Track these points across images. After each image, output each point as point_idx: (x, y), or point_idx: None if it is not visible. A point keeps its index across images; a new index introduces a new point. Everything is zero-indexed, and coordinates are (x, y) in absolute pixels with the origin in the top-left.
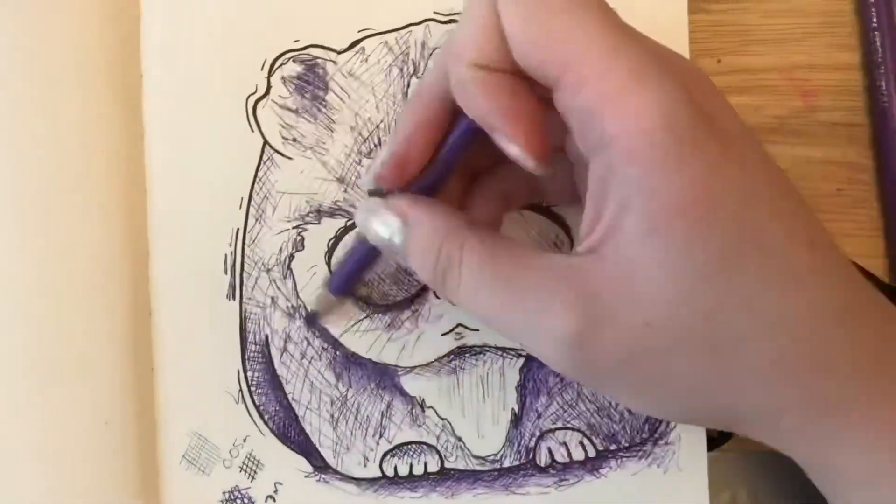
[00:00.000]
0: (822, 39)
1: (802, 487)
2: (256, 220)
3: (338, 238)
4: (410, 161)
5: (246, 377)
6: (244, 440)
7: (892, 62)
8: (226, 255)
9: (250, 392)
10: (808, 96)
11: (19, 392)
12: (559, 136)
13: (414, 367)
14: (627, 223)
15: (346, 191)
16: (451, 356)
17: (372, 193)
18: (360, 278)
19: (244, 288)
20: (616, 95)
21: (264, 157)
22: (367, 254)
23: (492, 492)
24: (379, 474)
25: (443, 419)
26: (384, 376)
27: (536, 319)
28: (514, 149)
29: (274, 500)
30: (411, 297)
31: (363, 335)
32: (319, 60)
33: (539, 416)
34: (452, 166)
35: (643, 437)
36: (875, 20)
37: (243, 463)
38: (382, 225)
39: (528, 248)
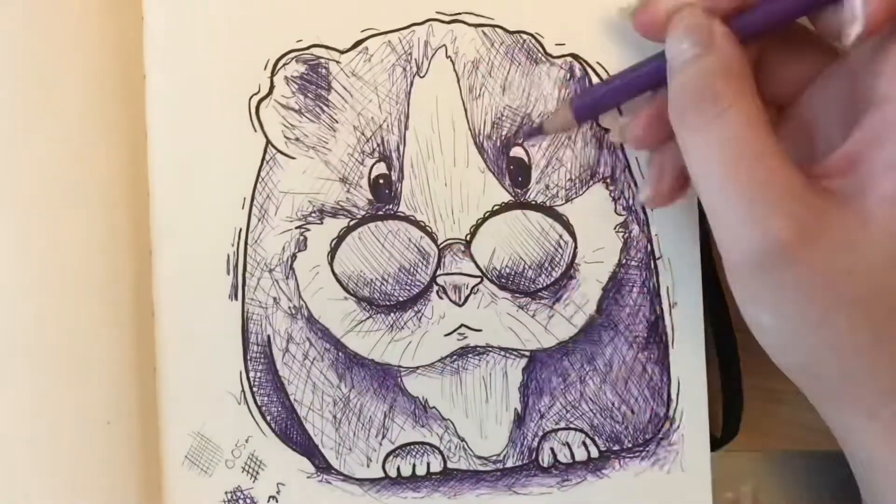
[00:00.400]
0: None
1: (804, 487)
2: (259, 219)
3: (340, 238)
4: None
5: (248, 378)
6: (246, 441)
7: None
8: (228, 255)
9: (252, 393)
10: None
11: (21, 392)
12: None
13: (417, 368)
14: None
15: (348, 191)
16: (454, 356)
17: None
18: (612, 107)
19: (246, 288)
20: None
21: (267, 157)
22: (635, 81)
23: (494, 492)
24: (381, 475)
25: (445, 419)
26: (387, 377)
27: (760, 203)
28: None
29: (276, 501)
30: (414, 297)
31: (365, 336)
32: (322, 60)
33: (542, 417)
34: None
35: (646, 437)
36: None
37: (245, 463)
38: (692, 35)
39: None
